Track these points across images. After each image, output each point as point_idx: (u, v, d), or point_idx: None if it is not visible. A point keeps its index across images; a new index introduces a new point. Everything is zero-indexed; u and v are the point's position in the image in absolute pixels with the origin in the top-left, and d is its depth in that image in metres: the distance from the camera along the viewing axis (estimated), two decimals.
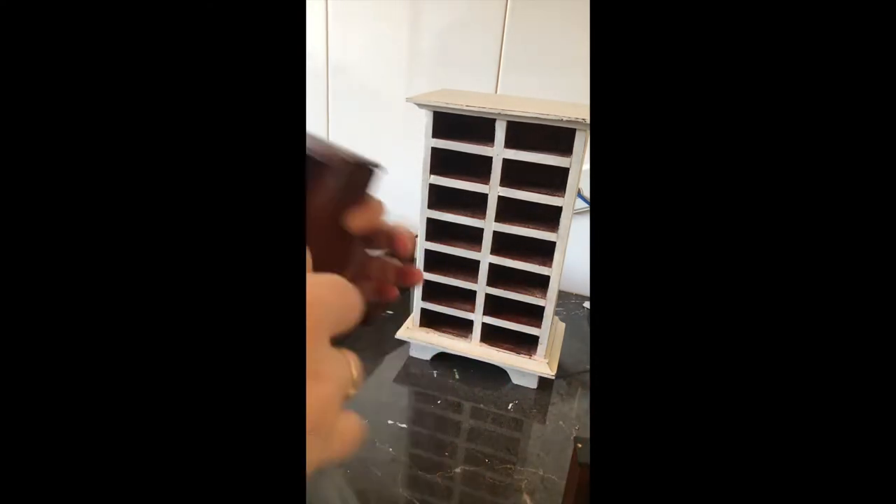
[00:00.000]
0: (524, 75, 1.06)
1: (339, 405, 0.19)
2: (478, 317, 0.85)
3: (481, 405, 0.79)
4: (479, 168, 0.78)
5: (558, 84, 1.03)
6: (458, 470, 0.66)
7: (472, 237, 0.82)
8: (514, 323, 0.83)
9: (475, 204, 0.80)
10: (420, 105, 0.75)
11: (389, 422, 0.73)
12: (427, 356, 0.89)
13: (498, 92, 1.09)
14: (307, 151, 0.24)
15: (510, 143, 0.74)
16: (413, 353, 0.90)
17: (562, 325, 0.97)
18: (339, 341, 0.20)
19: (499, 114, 0.72)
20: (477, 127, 0.76)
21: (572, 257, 0.83)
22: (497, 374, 0.86)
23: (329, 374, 0.19)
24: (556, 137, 0.73)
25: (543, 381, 0.83)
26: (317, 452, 0.19)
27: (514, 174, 0.77)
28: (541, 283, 0.81)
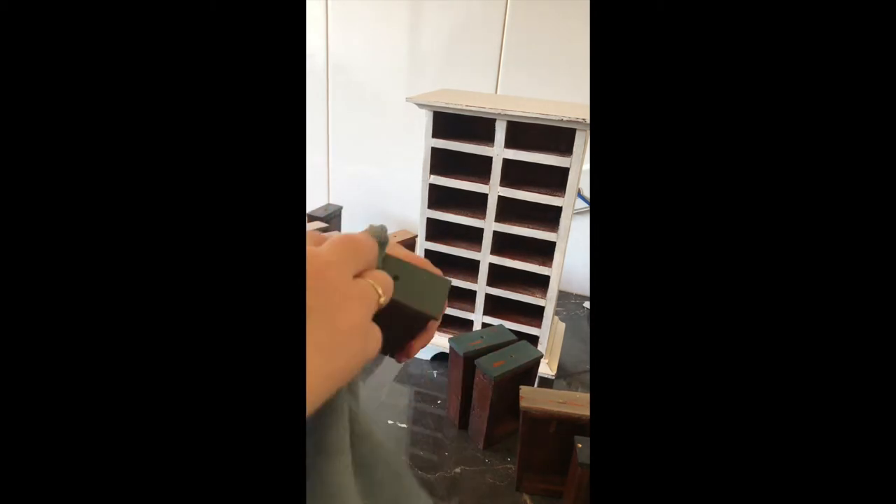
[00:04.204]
0: (524, 75, 1.06)
1: (370, 318, 0.25)
2: (478, 317, 0.85)
3: None
4: (479, 168, 0.78)
5: (558, 84, 1.03)
6: (458, 470, 0.66)
7: (472, 237, 0.82)
8: (514, 323, 0.83)
9: (475, 204, 0.80)
10: (420, 105, 0.75)
11: (389, 422, 0.73)
12: (427, 356, 0.89)
13: (498, 92, 1.09)
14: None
15: (510, 143, 0.74)
16: None
17: (562, 325, 0.97)
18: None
19: (499, 114, 0.72)
20: (477, 127, 0.76)
21: (572, 257, 0.83)
22: None
23: (359, 300, 0.24)
24: (556, 137, 0.73)
25: (543, 381, 0.83)
26: (358, 358, 0.23)
27: (514, 174, 0.77)
28: (541, 283, 0.81)
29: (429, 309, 0.28)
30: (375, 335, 0.25)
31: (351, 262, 0.25)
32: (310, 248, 0.23)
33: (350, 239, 0.25)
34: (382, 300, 0.26)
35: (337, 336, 0.22)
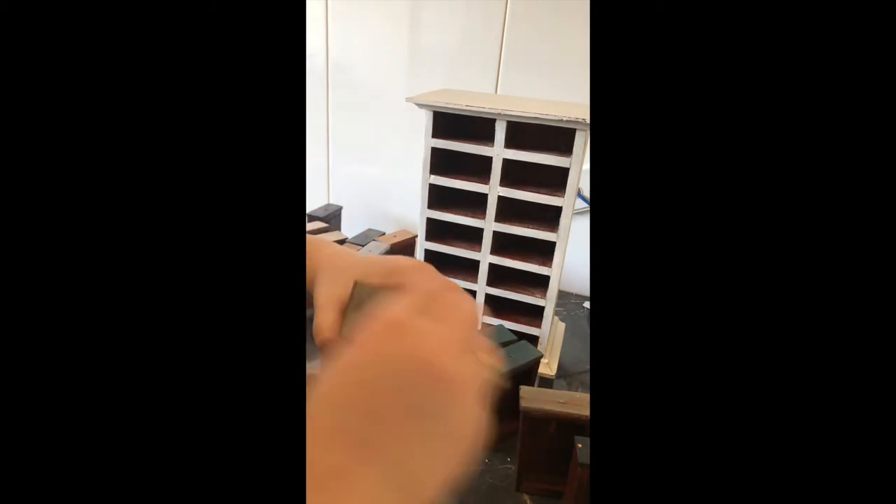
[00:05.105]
0: (524, 75, 1.06)
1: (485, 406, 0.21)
2: (478, 317, 0.85)
3: None
4: (479, 168, 0.78)
5: (558, 84, 1.03)
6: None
7: (472, 237, 0.82)
8: (514, 323, 0.83)
9: (475, 204, 0.80)
10: (420, 105, 0.75)
11: None
12: None
13: (498, 92, 1.09)
14: None
15: (510, 143, 0.74)
16: None
17: (562, 325, 0.97)
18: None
19: (499, 114, 0.72)
20: (477, 127, 0.76)
21: (572, 257, 0.83)
22: None
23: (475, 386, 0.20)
24: (556, 137, 0.73)
25: (543, 381, 0.83)
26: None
27: (514, 174, 0.77)
28: (541, 283, 0.81)
29: None
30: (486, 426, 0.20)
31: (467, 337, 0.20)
32: (413, 324, 0.19)
33: (462, 307, 0.20)
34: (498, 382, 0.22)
35: (457, 440, 0.18)
